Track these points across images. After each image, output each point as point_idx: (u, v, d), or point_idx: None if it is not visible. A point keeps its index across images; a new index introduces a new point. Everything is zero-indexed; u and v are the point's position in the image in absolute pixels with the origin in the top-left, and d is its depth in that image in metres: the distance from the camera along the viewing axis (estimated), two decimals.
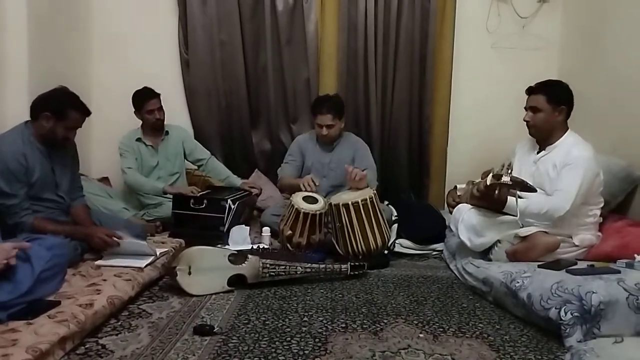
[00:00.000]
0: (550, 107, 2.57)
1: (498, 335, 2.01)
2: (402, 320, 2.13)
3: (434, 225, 3.25)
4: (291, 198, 3.00)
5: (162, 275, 2.50)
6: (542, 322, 2.03)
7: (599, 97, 3.22)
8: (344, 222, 2.86)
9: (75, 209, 2.62)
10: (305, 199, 2.98)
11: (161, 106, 3.45)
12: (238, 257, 2.45)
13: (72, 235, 2.39)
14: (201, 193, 3.26)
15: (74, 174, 2.66)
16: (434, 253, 3.16)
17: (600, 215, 2.62)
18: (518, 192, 2.37)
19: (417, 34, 3.84)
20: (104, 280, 2.18)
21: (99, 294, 2.03)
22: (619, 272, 2.08)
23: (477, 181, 2.70)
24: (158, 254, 2.55)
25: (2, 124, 2.71)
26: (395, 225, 3.22)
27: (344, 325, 2.06)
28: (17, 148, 2.35)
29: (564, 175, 2.46)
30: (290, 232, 2.91)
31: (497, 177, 2.33)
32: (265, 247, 2.92)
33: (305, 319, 2.12)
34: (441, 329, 2.05)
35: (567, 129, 2.62)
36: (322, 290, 2.47)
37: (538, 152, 2.67)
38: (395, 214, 3.32)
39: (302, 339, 1.92)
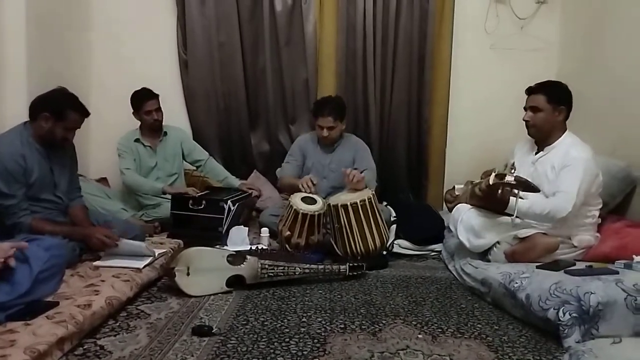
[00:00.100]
0: (550, 107, 2.57)
1: (497, 336, 2.01)
2: (400, 321, 2.13)
3: (433, 226, 3.25)
4: (290, 199, 3.00)
5: (161, 276, 2.50)
6: (540, 322, 2.03)
7: (597, 98, 3.22)
8: (342, 222, 2.86)
9: (74, 209, 2.62)
10: (304, 199, 2.98)
11: (159, 107, 3.45)
12: (237, 257, 2.45)
13: (70, 236, 2.39)
14: (200, 194, 3.26)
15: (72, 174, 2.66)
16: (433, 254, 3.16)
17: (599, 216, 2.62)
18: (520, 193, 2.37)
19: (416, 34, 3.85)
20: (102, 281, 2.18)
21: (97, 294, 2.03)
22: (617, 272, 2.08)
23: (476, 182, 2.70)
24: (156, 254, 2.55)
25: (1, 124, 2.71)
26: (394, 226, 3.22)
27: (342, 326, 2.06)
28: (16, 148, 2.34)
29: (563, 176, 2.46)
30: (289, 232, 2.91)
31: (500, 176, 2.33)
32: (264, 247, 2.92)
33: (304, 319, 2.12)
34: (440, 330, 2.05)
35: (566, 129, 2.63)
36: (320, 291, 2.47)
37: (536, 153, 2.67)
38: (394, 214, 3.32)
39: (301, 340, 1.92)
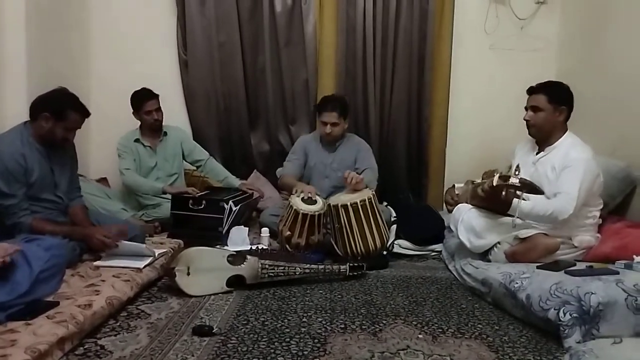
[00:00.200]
0: (551, 107, 2.57)
1: (497, 336, 2.01)
2: (401, 321, 2.13)
3: (433, 226, 3.25)
4: (290, 199, 3.00)
5: (161, 276, 2.50)
6: (541, 322, 2.03)
7: (597, 98, 3.22)
8: (342, 223, 2.86)
9: (74, 209, 2.61)
10: (304, 199, 2.99)
11: (159, 107, 3.45)
12: (237, 257, 2.45)
13: (70, 236, 2.39)
14: (200, 194, 3.26)
15: (72, 174, 2.66)
16: (433, 254, 3.16)
17: (600, 217, 2.62)
18: (524, 194, 2.37)
19: (416, 35, 3.85)
20: (103, 280, 2.18)
21: (97, 294, 2.03)
22: (618, 273, 2.08)
23: (476, 181, 2.70)
24: (157, 254, 2.55)
25: (1, 124, 2.71)
26: (394, 226, 3.22)
27: (343, 326, 2.06)
28: (16, 148, 2.34)
29: (564, 177, 2.46)
30: (289, 232, 2.91)
31: (504, 178, 2.32)
32: (264, 247, 2.92)
33: (305, 319, 2.12)
34: (440, 330, 2.05)
35: (567, 130, 2.63)
36: (321, 291, 2.47)
37: (537, 153, 2.67)
38: (394, 214, 3.32)
39: (301, 340, 1.92)
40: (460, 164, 3.93)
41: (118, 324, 2.01)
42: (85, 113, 2.49)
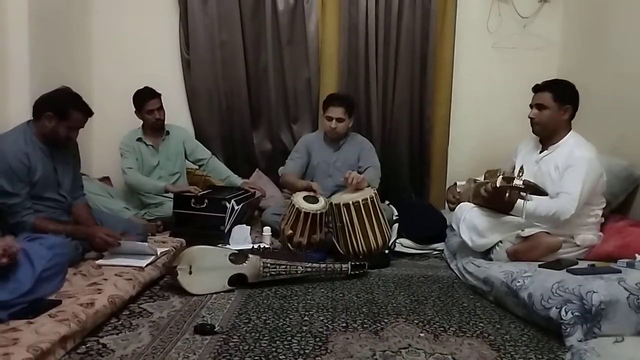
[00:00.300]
0: (556, 105, 2.56)
1: (499, 335, 2.01)
2: (402, 320, 2.13)
3: (435, 225, 3.25)
4: (292, 197, 3.00)
5: (163, 275, 2.50)
6: (542, 321, 2.03)
7: (599, 97, 3.21)
8: (344, 221, 2.87)
9: (77, 207, 2.62)
10: (306, 198, 2.99)
11: (161, 106, 3.45)
12: (239, 256, 2.45)
13: (73, 235, 2.39)
14: (202, 193, 3.27)
15: (75, 173, 2.66)
16: (435, 252, 3.16)
17: (602, 215, 2.62)
18: (528, 196, 2.36)
19: (418, 33, 3.84)
20: (105, 279, 2.19)
21: (99, 293, 2.03)
22: (620, 271, 2.08)
23: (478, 179, 2.69)
24: (159, 253, 2.55)
25: (4, 123, 2.72)
26: (396, 225, 3.22)
27: (344, 325, 2.06)
28: (20, 147, 2.35)
29: (567, 177, 2.46)
30: (291, 231, 2.91)
31: (508, 179, 2.32)
32: (266, 246, 2.92)
33: (306, 318, 2.12)
34: (442, 329, 2.05)
35: (570, 129, 2.62)
36: (322, 290, 2.47)
37: (540, 152, 2.67)
38: (396, 213, 3.32)
39: (303, 338, 1.93)
40: (462, 163, 3.92)
41: (120, 322, 2.02)
42: (88, 112, 2.49)
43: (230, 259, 2.42)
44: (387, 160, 3.87)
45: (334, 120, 3.32)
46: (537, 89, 2.64)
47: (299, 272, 2.53)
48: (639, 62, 2.97)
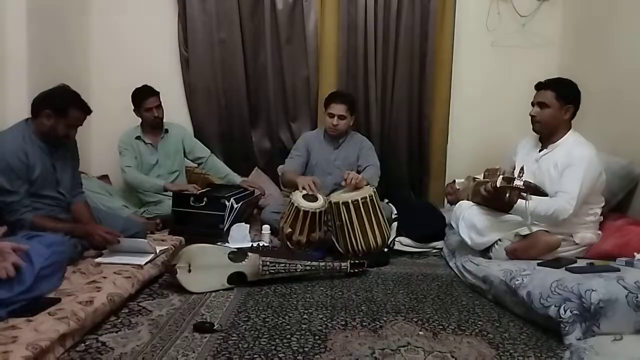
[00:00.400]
0: (558, 104, 2.56)
1: (497, 333, 2.01)
2: (401, 318, 2.13)
3: (434, 223, 3.25)
4: (291, 196, 3.00)
5: (162, 273, 2.50)
6: (541, 319, 2.03)
7: (599, 96, 3.21)
8: (343, 220, 2.87)
9: (76, 205, 2.62)
10: (305, 197, 2.99)
11: (160, 104, 3.45)
12: (238, 254, 2.45)
13: (72, 233, 2.39)
14: (201, 191, 3.27)
15: (74, 170, 2.66)
16: (434, 251, 3.16)
17: (601, 214, 2.62)
18: (528, 196, 2.37)
19: (417, 32, 3.84)
20: (104, 277, 2.19)
21: (99, 291, 2.03)
22: (619, 270, 2.08)
23: (477, 177, 2.69)
24: (158, 251, 2.55)
25: (2, 121, 2.71)
26: (395, 223, 3.22)
27: (343, 323, 2.06)
28: (18, 145, 2.35)
29: (566, 176, 2.46)
30: (290, 230, 2.91)
31: (508, 180, 2.32)
32: (265, 244, 2.93)
33: (305, 316, 2.12)
34: (441, 327, 2.05)
35: (570, 128, 2.62)
36: (322, 288, 2.48)
37: (540, 150, 2.67)
38: (395, 212, 3.32)
39: (302, 337, 1.93)
40: (462, 161, 3.92)
41: (119, 320, 2.02)
42: (87, 110, 2.49)
43: (229, 257, 2.42)
44: (386, 159, 3.87)
45: (335, 118, 3.32)
46: (539, 86, 2.64)
47: (298, 270, 2.53)
48: (638, 61, 2.97)
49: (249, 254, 2.46)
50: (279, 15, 3.82)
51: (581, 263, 2.28)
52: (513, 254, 2.51)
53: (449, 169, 4.02)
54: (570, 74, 2.78)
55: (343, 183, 3.04)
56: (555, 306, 1.94)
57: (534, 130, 2.67)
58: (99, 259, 2.41)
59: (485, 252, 2.64)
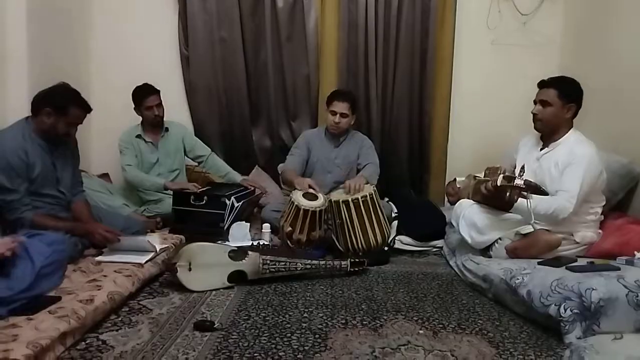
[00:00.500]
0: (561, 103, 2.55)
1: (498, 332, 2.01)
2: (402, 317, 2.13)
3: (434, 222, 3.25)
4: (291, 194, 3.00)
5: (163, 271, 2.50)
6: (541, 318, 2.03)
7: (599, 94, 3.20)
8: (344, 218, 2.87)
9: (76, 204, 2.62)
10: (305, 195, 2.99)
11: (160, 102, 3.45)
12: (238, 253, 2.45)
13: (72, 232, 2.39)
14: (201, 189, 3.27)
15: (74, 169, 2.66)
16: (434, 250, 3.16)
17: (601, 213, 2.62)
18: (528, 195, 2.36)
19: (418, 30, 3.83)
20: (105, 276, 2.19)
21: (99, 289, 2.03)
22: (619, 269, 2.08)
23: (478, 175, 2.69)
24: (158, 250, 2.55)
25: (3, 119, 2.71)
26: (395, 222, 3.22)
27: (344, 322, 2.07)
28: (18, 143, 2.35)
29: (567, 175, 2.45)
30: (290, 228, 2.91)
31: (509, 179, 2.32)
32: (266, 243, 2.92)
33: (306, 315, 2.12)
34: (441, 326, 2.06)
35: (572, 126, 2.61)
36: (322, 287, 2.48)
37: (541, 149, 2.66)
38: (395, 210, 3.32)
39: (302, 335, 1.93)
40: (462, 160, 3.92)
41: (120, 319, 2.02)
42: (87, 108, 2.49)
43: (229, 256, 2.43)
44: (386, 157, 3.87)
45: (338, 115, 3.33)
46: (542, 84, 2.63)
47: (298, 269, 2.53)
48: (639, 60, 2.97)
49: (249, 252, 2.46)
50: (280, 13, 3.82)
51: (581, 262, 2.28)
52: (513, 253, 2.51)
53: (449, 167, 4.02)
54: (571, 72, 2.77)
55: (343, 186, 3.03)
56: (555, 305, 1.94)
57: (535, 128, 2.67)
58: (99, 258, 2.41)
59: (485, 251, 2.63)
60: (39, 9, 3.07)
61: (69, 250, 2.28)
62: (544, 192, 2.42)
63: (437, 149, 4.02)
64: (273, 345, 1.84)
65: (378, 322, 2.07)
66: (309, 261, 2.58)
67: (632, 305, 1.87)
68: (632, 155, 2.85)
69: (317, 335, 1.93)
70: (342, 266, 2.63)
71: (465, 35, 3.91)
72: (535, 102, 2.64)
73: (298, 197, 2.95)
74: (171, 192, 3.25)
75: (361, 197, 2.85)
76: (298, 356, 1.77)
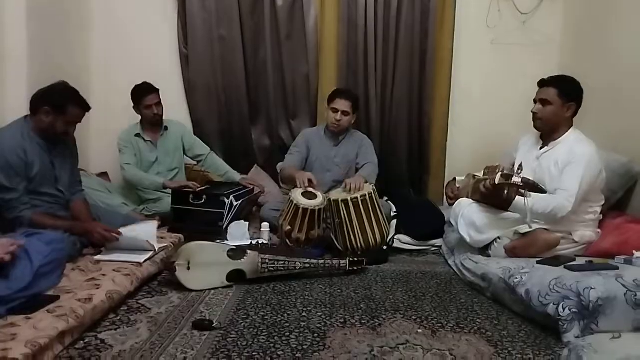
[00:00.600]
0: (561, 102, 2.55)
1: (496, 331, 2.01)
2: (400, 316, 2.13)
3: (433, 221, 3.24)
4: (290, 193, 3.00)
5: (161, 271, 2.50)
6: (540, 317, 2.03)
7: (599, 93, 3.20)
8: (343, 217, 2.87)
9: (75, 203, 2.62)
10: (304, 194, 2.99)
11: (160, 101, 3.44)
12: (237, 252, 2.45)
13: (71, 231, 2.39)
14: (200, 188, 3.26)
15: (73, 168, 2.66)
16: (433, 249, 3.16)
17: (600, 212, 2.62)
18: (526, 193, 2.36)
19: (417, 29, 3.83)
20: (103, 275, 2.19)
21: (98, 288, 2.03)
22: (618, 268, 2.08)
23: (477, 175, 2.69)
24: (157, 249, 2.55)
25: (1, 118, 2.71)
26: (395, 221, 3.22)
27: (342, 321, 2.07)
28: (17, 142, 2.35)
29: (566, 174, 2.45)
30: (289, 227, 2.91)
31: (506, 177, 2.32)
32: (264, 242, 2.92)
33: (304, 314, 2.13)
34: (439, 325, 2.06)
35: (572, 125, 2.61)
36: (321, 286, 2.48)
37: (541, 148, 2.66)
38: (394, 209, 3.32)
39: (301, 334, 1.93)
40: (461, 159, 3.92)
41: (118, 318, 2.02)
42: (86, 107, 2.49)
43: (228, 255, 2.43)
44: (385, 157, 3.87)
45: (339, 113, 3.33)
46: (542, 83, 2.63)
47: (297, 268, 2.53)
48: (638, 59, 2.97)
49: (248, 251, 2.46)
50: (279, 11, 3.82)
51: (580, 261, 2.28)
52: (512, 252, 2.51)
53: (448, 167, 4.02)
54: (571, 71, 2.77)
55: (344, 185, 3.04)
56: (553, 304, 1.94)
57: (535, 127, 2.67)
58: (98, 257, 2.41)
59: (484, 250, 2.64)
60: (38, 8, 3.07)
61: (68, 249, 2.27)
62: (542, 190, 2.42)
63: (436, 149, 4.02)
64: (272, 345, 1.84)
65: (377, 321, 2.07)
66: (308, 260, 2.57)
67: (631, 304, 1.87)
68: (632, 154, 2.85)
69: (315, 335, 1.93)
70: (341, 265, 2.63)
71: (465, 34, 3.90)
72: (535, 101, 2.64)
73: (297, 196, 2.95)
74: (170, 191, 3.25)
75: (360, 197, 2.85)
76: (297, 355, 1.77)
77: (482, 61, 3.94)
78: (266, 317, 2.08)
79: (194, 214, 3.12)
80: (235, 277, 2.42)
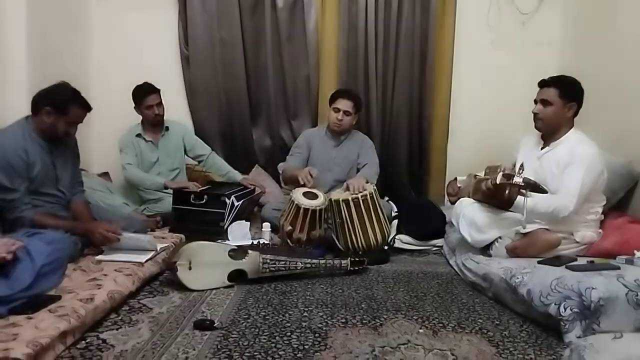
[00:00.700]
0: (561, 102, 2.55)
1: (497, 331, 2.01)
2: (401, 316, 2.13)
3: (434, 221, 3.25)
4: (291, 193, 3.00)
5: (163, 270, 2.51)
6: (541, 317, 2.03)
7: (600, 93, 3.20)
8: (344, 217, 2.87)
9: (76, 203, 2.62)
10: (305, 194, 2.99)
11: (161, 102, 3.45)
12: (238, 252, 2.45)
13: (72, 231, 2.39)
14: (201, 189, 3.27)
15: (74, 168, 2.66)
16: (434, 249, 3.16)
17: (602, 213, 2.62)
18: (528, 193, 2.36)
19: (418, 30, 3.84)
20: (105, 275, 2.19)
21: (99, 288, 2.03)
22: (619, 268, 2.08)
23: (479, 174, 2.69)
24: (158, 249, 2.56)
25: (2, 118, 2.71)
26: (395, 221, 3.23)
27: (344, 321, 2.07)
28: (18, 142, 2.35)
29: (567, 174, 2.45)
30: (290, 227, 2.91)
31: (508, 176, 2.32)
32: (266, 242, 2.92)
33: (305, 314, 2.13)
34: (441, 325, 2.06)
35: (573, 126, 2.61)
36: (322, 286, 2.48)
37: (542, 148, 2.66)
38: (395, 209, 3.32)
39: (302, 334, 1.93)
40: (462, 160, 3.91)
41: (120, 317, 2.02)
42: (87, 107, 2.49)
43: (229, 255, 2.43)
44: (386, 157, 3.87)
45: (341, 112, 3.34)
46: (543, 84, 2.63)
47: (298, 268, 2.53)
48: (638, 59, 2.96)
49: (250, 251, 2.46)
50: (280, 13, 3.82)
51: (581, 261, 2.28)
52: (513, 252, 2.51)
53: (449, 167, 4.02)
54: (571, 72, 2.77)
55: (345, 186, 3.04)
56: (555, 304, 1.94)
57: (536, 127, 2.67)
58: (99, 257, 2.42)
59: (485, 250, 2.64)
60: (38, 8, 3.07)
61: (69, 249, 2.27)
62: (543, 190, 2.42)
63: (436, 150, 4.02)
64: (273, 344, 1.84)
65: (378, 321, 2.07)
66: (309, 260, 2.58)
67: (632, 304, 1.87)
68: (632, 154, 2.85)
69: (317, 334, 1.93)
70: (342, 265, 2.63)
71: (465, 34, 3.90)
72: (535, 102, 2.64)
73: (298, 196, 2.95)
74: (171, 191, 3.25)
75: (361, 196, 2.85)
76: (298, 355, 1.77)
77: (483, 62, 3.94)
78: (267, 317, 2.08)
79: (195, 214, 3.12)
80: (237, 277, 2.42)
